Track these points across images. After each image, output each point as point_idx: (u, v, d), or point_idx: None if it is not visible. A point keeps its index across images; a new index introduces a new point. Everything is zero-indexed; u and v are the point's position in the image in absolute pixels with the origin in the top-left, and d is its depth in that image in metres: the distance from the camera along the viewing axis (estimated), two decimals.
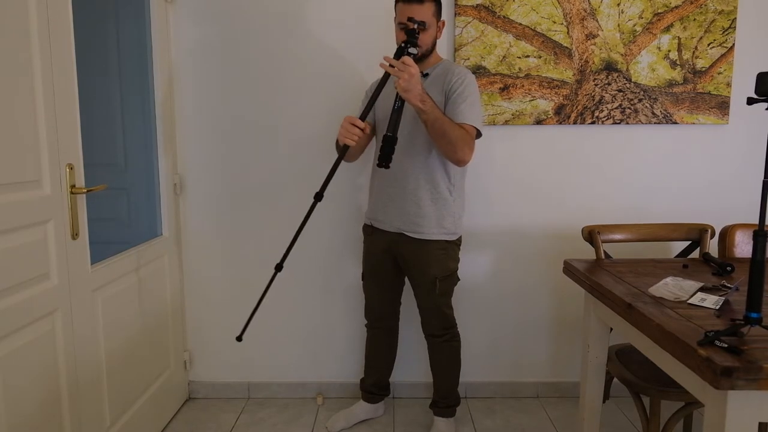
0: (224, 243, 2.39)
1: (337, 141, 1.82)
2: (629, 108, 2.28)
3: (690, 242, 1.96)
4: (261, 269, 2.39)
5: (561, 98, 2.27)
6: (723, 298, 1.34)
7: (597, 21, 2.23)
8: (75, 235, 1.57)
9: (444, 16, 1.99)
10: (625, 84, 2.26)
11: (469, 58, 2.25)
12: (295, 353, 2.46)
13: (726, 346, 1.04)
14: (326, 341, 2.46)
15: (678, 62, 2.26)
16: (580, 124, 2.29)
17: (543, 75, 2.26)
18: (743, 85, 2.27)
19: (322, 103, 2.30)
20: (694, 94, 2.27)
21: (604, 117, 2.28)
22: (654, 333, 1.21)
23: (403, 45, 1.66)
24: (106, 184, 1.68)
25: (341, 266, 2.41)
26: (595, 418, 1.74)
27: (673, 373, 1.24)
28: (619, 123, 2.29)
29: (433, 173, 1.91)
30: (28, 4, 1.38)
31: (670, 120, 2.29)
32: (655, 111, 2.28)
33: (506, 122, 2.29)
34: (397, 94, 1.64)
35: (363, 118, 1.71)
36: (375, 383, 2.25)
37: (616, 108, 2.28)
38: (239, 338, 1.87)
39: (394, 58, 1.63)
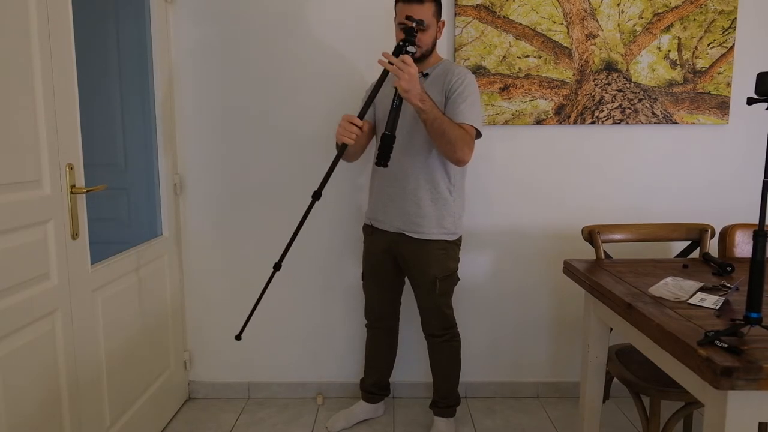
0: (224, 243, 2.39)
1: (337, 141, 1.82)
2: (629, 108, 2.28)
3: (690, 242, 1.96)
4: (261, 269, 2.39)
5: (561, 98, 2.28)
6: (723, 298, 1.34)
7: (597, 21, 2.23)
8: (75, 235, 1.57)
9: (444, 16, 1.99)
10: (625, 84, 2.26)
11: (469, 58, 2.25)
12: (295, 353, 2.46)
13: (726, 346, 1.04)
14: (326, 341, 2.46)
15: (678, 62, 2.26)
16: (580, 124, 2.29)
17: (543, 75, 2.26)
18: (743, 85, 2.27)
19: (322, 102, 2.30)
20: (694, 94, 2.27)
21: (604, 117, 2.28)
22: (654, 333, 1.21)
23: (401, 43, 1.65)
24: (106, 184, 1.68)
25: (341, 266, 2.41)
26: (595, 418, 1.74)
27: (673, 373, 1.24)
28: (619, 123, 2.29)
29: (433, 173, 1.91)
30: (28, 4, 1.38)
31: (670, 120, 2.29)
32: (655, 111, 2.28)
33: (506, 122, 2.29)
34: (396, 92, 1.64)
35: (361, 116, 1.71)
36: (375, 383, 2.25)
37: (616, 108, 2.28)
38: (238, 337, 1.87)
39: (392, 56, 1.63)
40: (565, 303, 2.43)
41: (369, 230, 2.08)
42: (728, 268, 1.60)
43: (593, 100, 2.27)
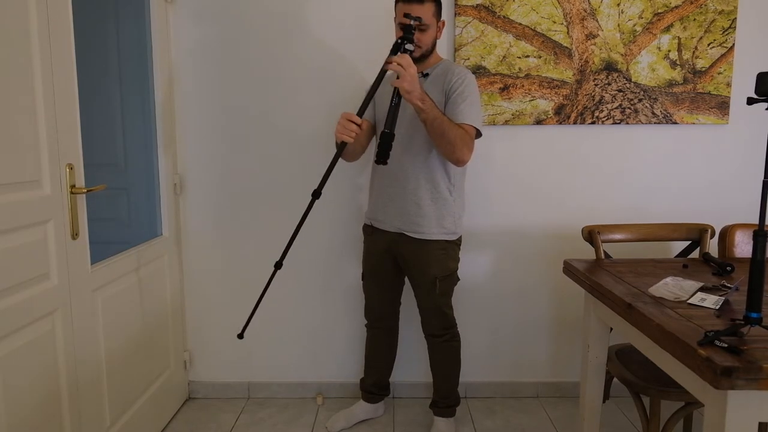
0: (224, 243, 2.39)
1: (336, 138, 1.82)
2: (629, 108, 2.28)
3: (690, 242, 1.96)
4: (261, 269, 2.39)
5: (561, 98, 2.28)
6: (723, 298, 1.34)
7: (597, 21, 2.23)
8: (75, 235, 1.57)
9: (444, 16, 1.99)
10: (625, 84, 2.26)
11: (469, 58, 2.25)
12: (295, 353, 2.46)
13: (726, 346, 1.04)
14: (326, 341, 2.46)
15: (678, 62, 2.26)
16: (580, 124, 2.29)
17: (543, 75, 2.26)
18: (743, 85, 2.27)
19: (322, 102, 2.30)
20: (694, 94, 2.27)
21: (604, 117, 2.28)
22: (654, 333, 1.21)
23: (399, 41, 1.65)
24: (106, 184, 1.68)
25: (341, 266, 2.41)
26: (595, 418, 1.74)
27: (673, 373, 1.24)
28: (619, 123, 2.29)
29: (433, 173, 1.91)
30: (28, 4, 1.38)
31: (670, 120, 2.29)
32: (655, 111, 2.28)
33: (506, 122, 2.29)
34: (394, 91, 1.64)
35: (361, 114, 1.71)
36: (375, 383, 2.25)
37: (616, 108, 2.28)
38: (240, 335, 1.87)
39: (390, 53, 1.63)
40: (565, 303, 2.43)
41: (369, 230, 2.08)
42: (728, 268, 1.60)
43: (593, 100, 2.27)
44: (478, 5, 2.22)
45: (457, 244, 2.01)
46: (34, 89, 1.40)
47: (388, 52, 1.68)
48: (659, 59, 2.25)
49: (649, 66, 2.25)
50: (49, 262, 1.47)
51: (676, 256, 1.96)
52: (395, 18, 1.88)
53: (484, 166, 2.33)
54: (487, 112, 2.27)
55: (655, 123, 2.29)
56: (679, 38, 2.24)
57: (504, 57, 2.25)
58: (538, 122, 2.29)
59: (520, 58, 2.25)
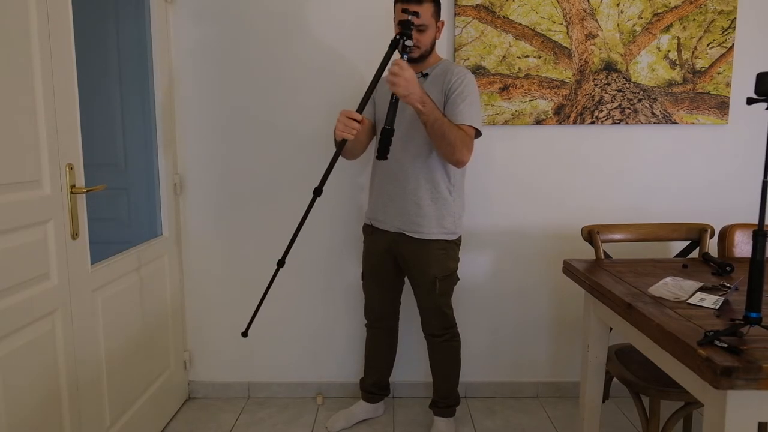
0: (224, 243, 2.39)
1: (335, 136, 1.81)
2: (629, 108, 2.28)
3: (690, 242, 1.96)
4: (261, 269, 2.39)
5: (561, 98, 2.28)
6: (722, 298, 1.34)
7: (597, 21, 2.23)
8: (75, 235, 1.57)
9: (444, 16, 1.99)
10: (624, 84, 2.27)
11: (468, 58, 2.25)
12: (295, 353, 2.46)
13: (726, 346, 1.04)
14: (326, 341, 2.46)
15: (677, 62, 2.26)
16: (580, 124, 2.29)
17: (543, 75, 2.26)
18: (743, 85, 2.27)
19: (322, 102, 2.30)
20: (694, 94, 2.27)
21: (604, 117, 2.28)
22: (654, 333, 1.21)
23: (398, 37, 1.65)
24: (106, 184, 1.68)
25: (341, 266, 2.41)
26: (595, 418, 1.74)
27: (673, 373, 1.24)
28: (618, 123, 2.29)
29: (433, 173, 1.91)
30: (28, 4, 1.38)
31: (670, 120, 2.29)
32: (654, 111, 2.28)
33: (506, 122, 2.29)
34: None
35: (360, 111, 1.71)
36: (375, 383, 2.25)
37: (616, 108, 2.28)
38: (245, 333, 1.85)
39: (388, 50, 1.63)
40: (565, 303, 2.43)
41: (369, 230, 2.08)
42: (728, 268, 1.60)
43: (593, 100, 2.27)
44: (477, 5, 2.22)
45: (456, 244, 2.01)
46: (34, 89, 1.40)
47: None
48: (659, 59, 2.25)
49: (648, 66, 2.25)
50: (49, 262, 1.47)
51: (676, 256, 1.96)
52: (394, 18, 1.88)
53: (484, 166, 2.33)
54: (486, 112, 2.27)
55: (654, 123, 2.29)
56: (679, 38, 2.25)
57: (504, 57, 2.25)
58: (538, 122, 2.29)
59: (519, 58, 2.25)
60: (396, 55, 1.67)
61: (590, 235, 1.90)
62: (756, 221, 1.98)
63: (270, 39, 2.27)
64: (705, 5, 2.22)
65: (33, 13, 1.39)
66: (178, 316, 2.35)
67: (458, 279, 2.04)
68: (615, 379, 1.83)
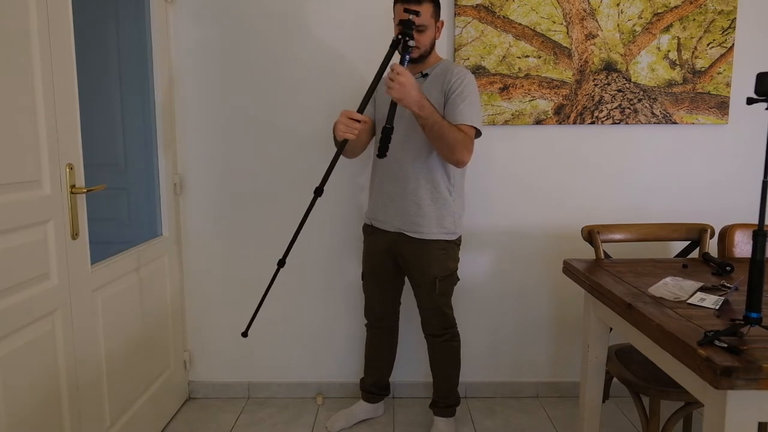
0: (224, 243, 2.39)
1: (335, 135, 1.81)
2: (629, 108, 2.28)
3: (690, 242, 1.96)
4: (261, 269, 2.39)
5: (561, 98, 2.28)
6: (722, 298, 1.34)
7: (597, 21, 2.23)
8: (75, 235, 1.57)
9: (444, 16, 1.99)
10: (624, 84, 2.27)
11: (468, 58, 2.25)
12: (295, 353, 2.46)
13: (726, 346, 1.04)
14: (326, 341, 2.46)
15: (677, 62, 2.26)
16: (580, 124, 2.29)
17: (543, 75, 2.26)
18: (743, 85, 2.27)
19: (322, 102, 2.30)
20: (694, 94, 2.27)
21: (604, 117, 2.28)
22: (654, 333, 1.21)
23: (399, 37, 1.65)
24: (106, 184, 1.68)
25: (341, 266, 2.41)
26: (595, 418, 1.74)
27: (673, 373, 1.24)
28: (618, 123, 2.29)
29: (433, 173, 1.91)
30: (28, 4, 1.38)
31: (670, 120, 2.29)
32: (654, 111, 2.28)
33: (506, 122, 2.29)
34: None
35: (361, 111, 1.71)
36: (375, 383, 2.25)
37: (616, 108, 2.28)
38: (245, 334, 1.86)
39: (390, 49, 1.64)
40: (565, 303, 2.43)
41: (369, 230, 2.08)
42: (728, 268, 1.60)
43: (593, 100, 2.27)
44: (477, 5, 2.22)
45: (456, 244, 2.01)
46: (34, 89, 1.40)
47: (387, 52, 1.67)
48: (659, 59, 2.25)
49: (648, 66, 2.25)
50: (49, 262, 1.47)
51: (676, 256, 1.96)
52: (394, 19, 1.88)
53: (484, 166, 2.33)
54: (486, 112, 2.27)
55: (654, 123, 2.29)
56: (679, 38, 2.25)
57: (504, 57, 2.25)
58: (538, 122, 2.29)
59: (519, 58, 2.25)
60: (396, 55, 1.67)
61: (590, 235, 1.90)
62: (756, 221, 1.98)
63: (270, 39, 2.27)
64: (705, 5, 2.22)
65: (33, 13, 1.39)
66: (178, 316, 2.35)
67: (458, 279, 2.04)
68: (615, 379, 1.83)
